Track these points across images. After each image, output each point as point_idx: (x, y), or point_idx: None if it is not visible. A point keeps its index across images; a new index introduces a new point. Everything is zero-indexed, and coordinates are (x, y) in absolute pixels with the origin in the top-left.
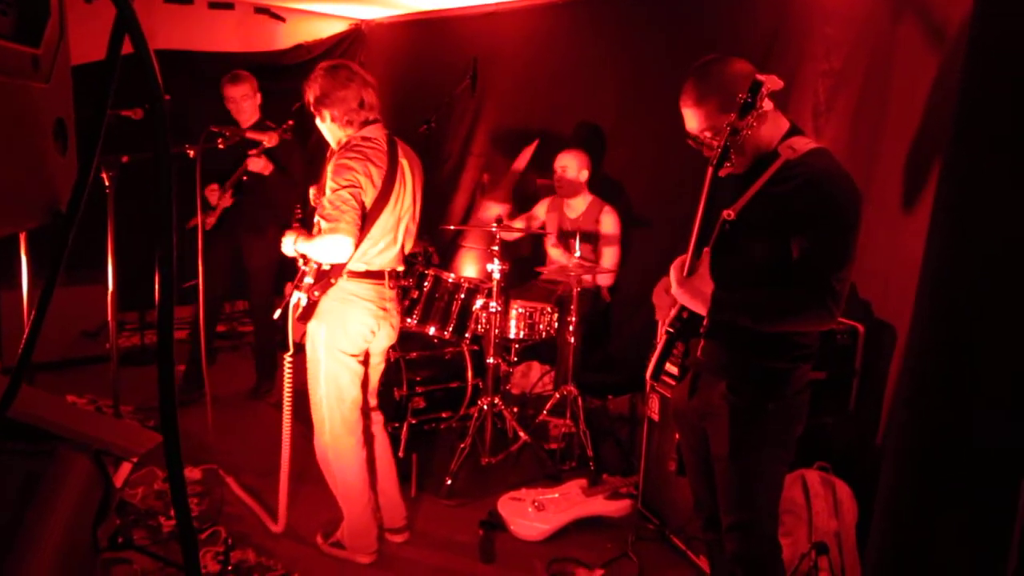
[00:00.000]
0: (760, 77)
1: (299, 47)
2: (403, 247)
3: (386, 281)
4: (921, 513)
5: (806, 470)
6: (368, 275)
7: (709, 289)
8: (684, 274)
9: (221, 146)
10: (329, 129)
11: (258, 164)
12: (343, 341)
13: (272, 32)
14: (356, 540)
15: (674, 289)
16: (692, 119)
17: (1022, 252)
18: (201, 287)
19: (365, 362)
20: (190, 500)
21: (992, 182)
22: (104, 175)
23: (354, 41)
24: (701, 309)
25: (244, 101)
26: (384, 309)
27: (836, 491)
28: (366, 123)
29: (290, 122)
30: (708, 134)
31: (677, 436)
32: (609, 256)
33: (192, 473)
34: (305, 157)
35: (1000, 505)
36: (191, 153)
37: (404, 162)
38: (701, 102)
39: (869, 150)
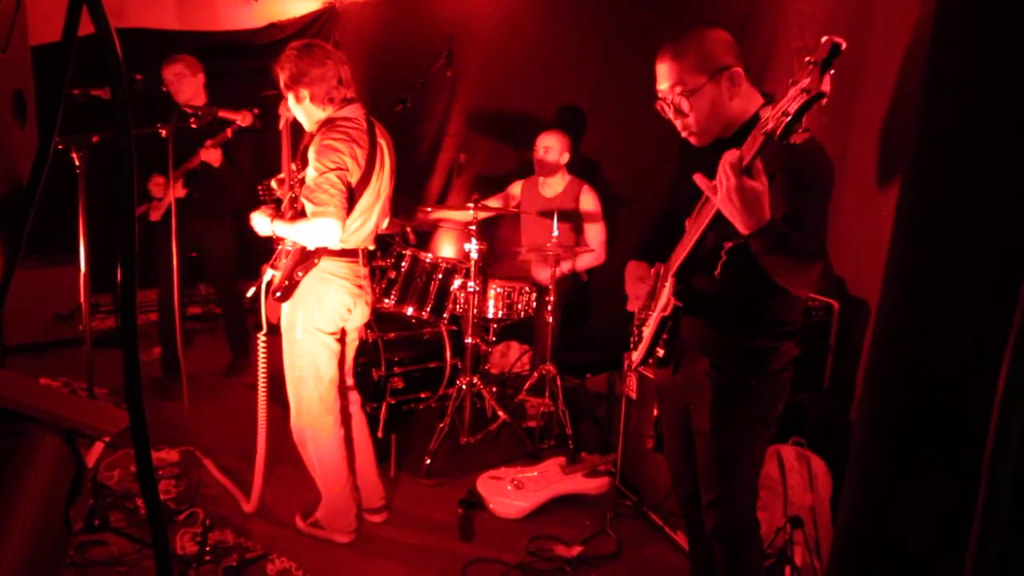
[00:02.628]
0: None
1: (271, 26)
2: (377, 225)
3: (360, 259)
4: (888, 481)
5: (781, 445)
6: (343, 254)
7: (767, 213)
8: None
9: (194, 125)
10: (306, 110)
11: (212, 156)
12: (320, 320)
13: (244, 11)
14: (335, 520)
15: (731, 183)
16: (666, 75)
17: (982, 232)
18: (176, 269)
19: (341, 340)
20: (168, 482)
21: (954, 167)
22: (75, 155)
23: (328, 20)
24: (744, 223)
25: (181, 81)
26: (359, 287)
27: (811, 466)
28: (345, 101)
29: (256, 110)
30: (677, 90)
31: (655, 413)
32: (595, 235)
33: (169, 455)
34: (254, 149)
35: (964, 474)
36: (163, 133)
37: (382, 142)
38: (679, 57)
39: (843, 127)
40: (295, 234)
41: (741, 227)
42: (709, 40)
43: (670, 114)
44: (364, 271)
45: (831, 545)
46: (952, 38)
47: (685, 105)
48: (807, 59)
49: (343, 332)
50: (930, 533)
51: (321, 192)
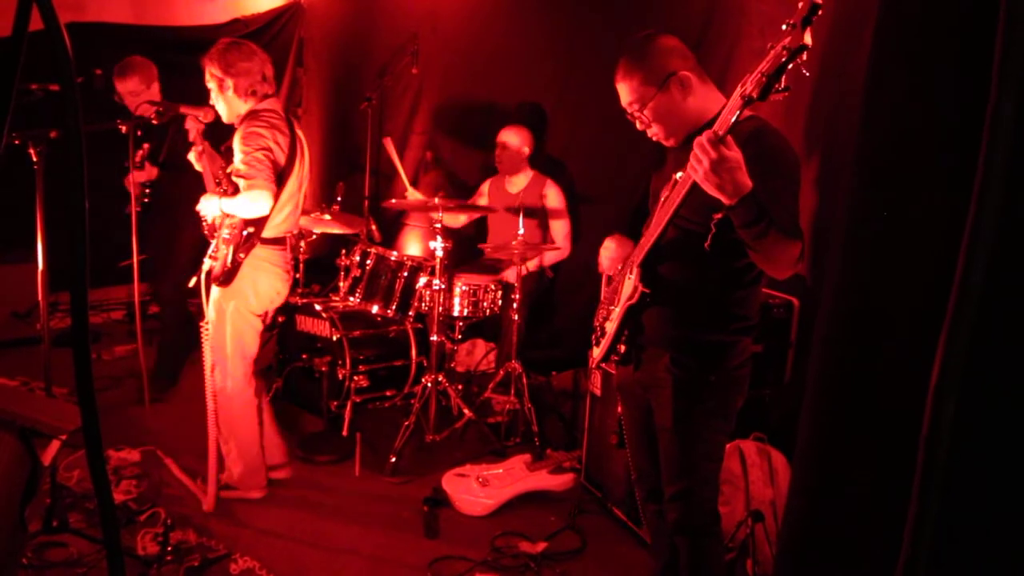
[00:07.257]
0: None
1: (235, 21)
2: (300, 212)
3: (287, 246)
4: (832, 469)
5: (743, 441)
6: (276, 241)
7: (749, 182)
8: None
9: (155, 121)
10: (228, 101)
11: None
12: (253, 302)
13: (208, 6)
14: (249, 479)
15: (712, 157)
16: (624, 93)
17: (921, 225)
18: (136, 266)
19: (265, 320)
20: (129, 482)
21: (898, 171)
22: (32, 150)
23: (293, 16)
24: (727, 194)
25: (136, 98)
26: (287, 272)
27: (772, 460)
28: (265, 96)
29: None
30: (636, 106)
31: (620, 409)
32: (560, 229)
33: (131, 455)
34: None
35: (903, 461)
36: (123, 129)
37: (300, 134)
38: (627, 76)
39: (804, 127)
40: (233, 207)
41: (725, 198)
42: (653, 51)
43: (639, 126)
44: (290, 256)
45: (778, 533)
46: (892, 39)
47: (645, 117)
48: (786, 23)
49: (266, 314)
50: (870, 520)
51: (248, 167)
